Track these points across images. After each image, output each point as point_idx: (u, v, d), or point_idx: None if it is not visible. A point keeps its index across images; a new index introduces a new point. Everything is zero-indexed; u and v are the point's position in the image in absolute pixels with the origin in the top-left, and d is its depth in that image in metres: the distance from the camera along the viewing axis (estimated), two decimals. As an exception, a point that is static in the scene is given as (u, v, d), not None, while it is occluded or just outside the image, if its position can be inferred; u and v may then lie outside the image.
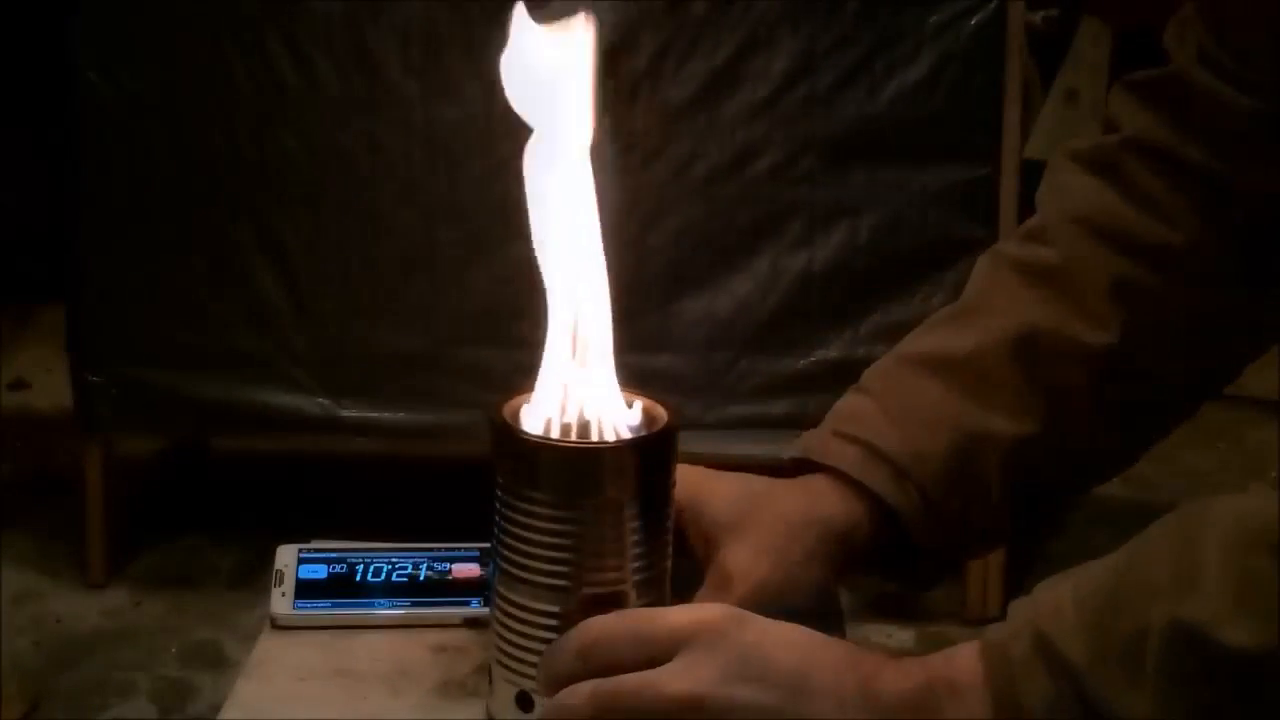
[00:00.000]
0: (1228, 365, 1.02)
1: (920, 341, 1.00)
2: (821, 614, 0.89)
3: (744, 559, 0.88)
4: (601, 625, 0.79)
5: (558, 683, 0.80)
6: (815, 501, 0.93)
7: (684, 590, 0.88)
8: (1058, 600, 0.75)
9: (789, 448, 0.97)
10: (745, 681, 0.76)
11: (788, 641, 0.78)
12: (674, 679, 0.76)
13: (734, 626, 0.77)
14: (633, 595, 0.81)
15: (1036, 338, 0.95)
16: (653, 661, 0.77)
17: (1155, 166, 0.97)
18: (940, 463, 0.92)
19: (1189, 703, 0.70)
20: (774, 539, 0.89)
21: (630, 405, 0.84)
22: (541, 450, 0.80)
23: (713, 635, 0.77)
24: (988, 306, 0.98)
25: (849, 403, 0.98)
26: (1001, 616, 0.79)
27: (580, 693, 0.78)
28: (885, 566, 0.96)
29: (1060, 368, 0.95)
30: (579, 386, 0.82)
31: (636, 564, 0.80)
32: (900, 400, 0.95)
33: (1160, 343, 0.97)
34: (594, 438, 0.82)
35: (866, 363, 1.01)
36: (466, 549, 1.00)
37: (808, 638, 0.79)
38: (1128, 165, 0.98)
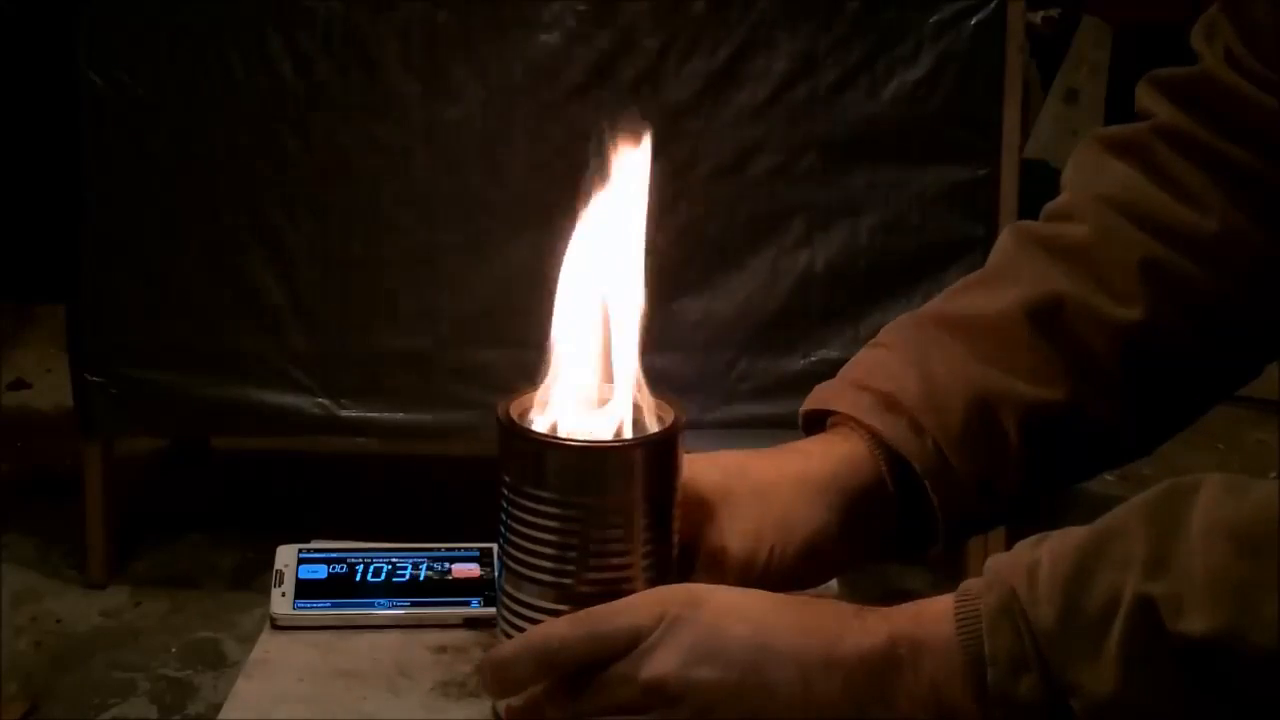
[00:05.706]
0: (1253, 358, 1.00)
1: (940, 304, 0.98)
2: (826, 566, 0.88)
3: (728, 537, 0.86)
4: (558, 631, 0.78)
5: (512, 689, 0.80)
6: (814, 460, 0.90)
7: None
8: (1034, 559, 0.74)
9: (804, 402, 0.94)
10: (704, 662, 0.75)
11: (744, 614, 0.77)
12: (636, 669, 0.76)
13: (688, 609, 0.77)
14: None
15: (1061, 307, 0.93)
16: (612, 659, 0.77)
17: (1186, 154, 0.96)
18: (959, 420, 0.89)
19: (1147, 683, 0.70)
20: (756, 509, 0.87)
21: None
22: (548, 449, 0.79)
23: (668, 621, 0.76)
24: (1012, 275, 0.96)
25: (866, 355, 0.95)
26: None
27: (547, 694, 0.78)
28: (892, 536, 0.91)
29: (1085, 339, 0.93)
30: (589, 384, 0.82)
31: (643, 562, 0.80)
32: (920, 355, 0.92)
33: (1187, 327, 0.95)
34: (601, 436, 0.81)
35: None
36: (466, 549, 1.00)
37: (764, 605, 0.78)
38: (1159, 151, 0.97)
